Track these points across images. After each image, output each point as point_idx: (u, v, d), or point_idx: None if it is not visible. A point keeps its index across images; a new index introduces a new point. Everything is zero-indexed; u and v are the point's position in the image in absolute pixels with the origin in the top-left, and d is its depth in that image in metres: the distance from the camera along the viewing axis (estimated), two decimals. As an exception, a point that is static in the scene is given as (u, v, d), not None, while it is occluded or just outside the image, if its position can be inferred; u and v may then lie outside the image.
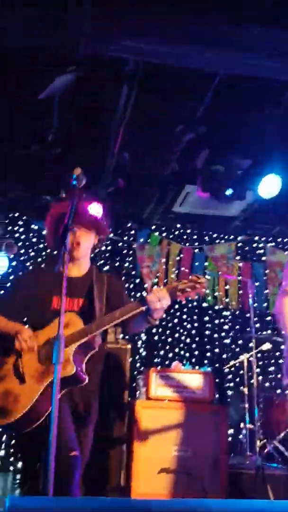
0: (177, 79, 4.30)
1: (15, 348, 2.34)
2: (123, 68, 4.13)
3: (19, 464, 5.65)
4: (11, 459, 6.01)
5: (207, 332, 7.25)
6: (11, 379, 2.33)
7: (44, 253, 7.08)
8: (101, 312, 2.46)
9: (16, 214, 7.07)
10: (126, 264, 7.24)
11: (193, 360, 6.98)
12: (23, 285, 2.66)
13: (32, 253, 7.02)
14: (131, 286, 7.16)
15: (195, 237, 7.57)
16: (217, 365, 6.89)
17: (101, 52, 3.88)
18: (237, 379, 6.81)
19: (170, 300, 2.32)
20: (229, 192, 5.48)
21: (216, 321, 7.31)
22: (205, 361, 6.98)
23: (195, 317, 7.28)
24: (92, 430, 2.55)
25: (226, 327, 7.32)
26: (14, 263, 6.79)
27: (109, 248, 7.26)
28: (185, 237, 7.53)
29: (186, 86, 4.41)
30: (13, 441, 6.06)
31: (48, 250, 6.87)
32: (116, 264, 7.22)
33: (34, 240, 7.11)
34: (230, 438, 5.41)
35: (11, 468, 5.94)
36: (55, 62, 3.81)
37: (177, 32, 3.75)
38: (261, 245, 7.61)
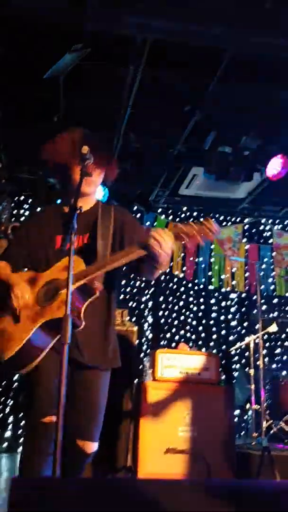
0: (184, 58, 4.23)
1: (11, 304, 2.23)
2: (129, 46, 4.06)
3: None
4: (21, 440, 6.10)
5: (213, 315, 7.26)
6: (6, 319, 2.25)
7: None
8: (104, 249, 2.29)
9: (22, 197, 7.05)
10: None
11: (199, 342, 7.00)
12: (26, 227, 2.53)
13: (38, 236, 7.00)
14: (137, 269, 7.15)
15: (201, 219, 7.50)
16: (223, 347, 6.91)
17: (108, 29, 3.82)
18: (243, 361, 6.84)
19: (173, 243, 2.13)
20: (236, 173, 5.43)
21: (223, 304, 7.32)
22: (211, 343, 7.01)
23: (201, 299, 7.29)
24: (102, 382, 2.34)
25: (232, 309, 7.32)
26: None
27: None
28: (191, 219, 7.48)
29: (194, 65, 4.34)
30: (22, 422, 6.14)
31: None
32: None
33: (40, 223, 7.10)
34: (236, 419, 5.43)
35: (19, 449, 6.02)
36: (61, 39, 3.75)
37: (184, 8, 3.68)
38: (268, 227, 7.57)
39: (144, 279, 5.65)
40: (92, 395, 2.29)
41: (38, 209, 6.53)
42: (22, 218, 7.01)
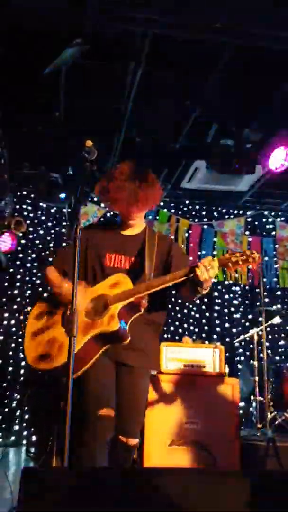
0: (185, 52, 4.22)
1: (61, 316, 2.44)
2: (130, 41, 4.06)
3: (33, 438, 5.77)
4: (25, 433, 6.15)
5: (216, 307, 7.27)
6: (58, 328, 2.43)
7: (52, 231, 7.10)
8: (149, 270, 2.50)
9: (25, 192, 7.07)
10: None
11: (203, 335, 7.02)
12: (85, 238, 2.63)
13: (41, 231, 7.05)
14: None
15: (204, 213, 7.54)
16: (227, 339, 6.94)
17: (108, 28, 3.82)
18: (247, 353, 6.87)
19: (217, 270, 2.37)
20: (238, 166, 5.43)
21: (226, 296, 7.33)
22: (215, 336, 7.03)
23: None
24: (145, 382, 2.59)
25: (235, 302, 7.34)
26: (23, 241, 6.82)
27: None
28: (194, 213, 7.51)
29: (195, 59, 4.34)
30: (27, 416, 6.18)
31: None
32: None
33: (43, 218, 7.12)
34: (240, 411, 5.46)
35: (24, 441, 6.07)
36: (61, 39, 3.75)
37: (184, 2, 3.67)
38: (270, 219, 7.57)
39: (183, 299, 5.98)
40: (136, 396, 2.52)
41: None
42: (25, 213, 7.03)
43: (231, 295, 7.35)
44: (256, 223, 7.55)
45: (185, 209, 7.48)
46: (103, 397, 2.31)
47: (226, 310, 7.28)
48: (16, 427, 6.23)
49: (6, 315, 6.63)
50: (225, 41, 4.05)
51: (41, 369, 2.37)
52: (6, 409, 6.26)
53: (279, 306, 7.16)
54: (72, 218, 2.14)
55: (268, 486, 1.65)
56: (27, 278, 6.80)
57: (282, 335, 7.11)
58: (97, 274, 2.54)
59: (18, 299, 6.66)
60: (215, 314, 7.23)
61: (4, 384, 6.33)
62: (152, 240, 2.61)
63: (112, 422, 2.36)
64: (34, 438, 5.26)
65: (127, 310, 2.41)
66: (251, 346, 6.03)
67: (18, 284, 6.78)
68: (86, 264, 2.57)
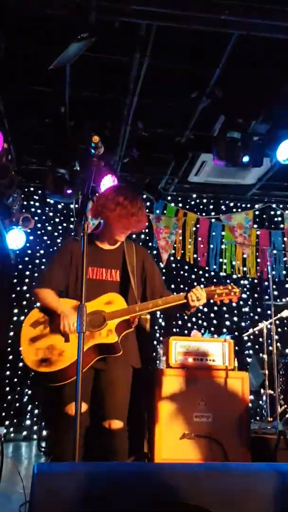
0: (191, 43, 4.19)
1: (59, 329, 2.63)
2: (135, 33, 4.04)
3: (44, 432, 5.80)
4: (35, 427, 6.18)
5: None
6: (56, 336, 2.66)
7: (60, 226, 7.11)
8: (136, 286, 2.83)
9: (32, 189, 7.08)
10: (143, 236, 7.23)
11: (212, 329, 7.01)
12: (61, 256, 2.92)
13: (49, 227, 7.06)
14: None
15: (211, 206, 7.51)
16: (236, 333, 6.92)
17: (113, 18, 3.80)
18: (257, 347, 6.85)
19: (205, 300, 2.85)
20: (245, 159, 5.39)
21: (235, 290, 7.30)
22: (224, 330, 7.01)
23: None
24: (123, 375, 2.79)
25: (244, 295, 7.31)
26: (31, 238, 6.84)
27: (125, 220, 7.23)
28: (201, 207, 7.48)
29: (200, 50, 4.31)
30: (37, 410, 6.22)
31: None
32: (133, 236, 7.20)
33: (51, 214, 7.13)
34: (250, 404, 5.46)
35: (35, 436, 6.10)
36: (67, 30, 3.73)
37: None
38: (278, 212, 7.53)
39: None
40: (114, 385, 2.74)
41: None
42: (33, 209, 7.05)
43: (240, 289, 7.32)
44: (264, 216, 7.52)
45: (192, 203, 7.45)
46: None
47: (234, 304, 7.26)
48: (28, 422, 6.26)
49: (16, 311, 6.65)
50: (232, 32, 4.01)
51: (40, 372, 2.61)
52: (18, 404, 6.29)
53: (288, 299, 7.14)
54: (79, 214, 2.11)
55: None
56: (36, 274, 6.82)
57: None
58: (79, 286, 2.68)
59: (27, 295, 6.68)
60: (224, 308, 7.21)
61: (15, 380, 6.37)
62: (130, 253, 2.91)
63: (84, 421, 2.58)
64: (44, 433, 5.29)
65: (121, 326, 2.69)
66: (260, 339, 6.01)
67: (26, 280, 6.81)
68: (70, 276, 2.82)
